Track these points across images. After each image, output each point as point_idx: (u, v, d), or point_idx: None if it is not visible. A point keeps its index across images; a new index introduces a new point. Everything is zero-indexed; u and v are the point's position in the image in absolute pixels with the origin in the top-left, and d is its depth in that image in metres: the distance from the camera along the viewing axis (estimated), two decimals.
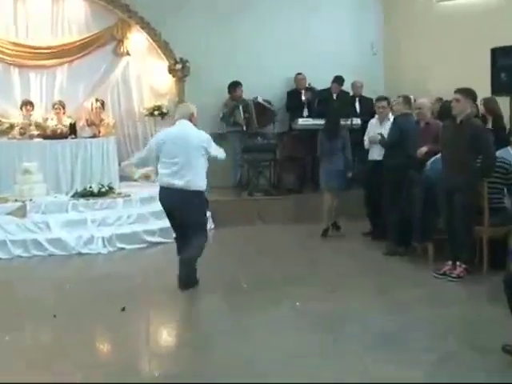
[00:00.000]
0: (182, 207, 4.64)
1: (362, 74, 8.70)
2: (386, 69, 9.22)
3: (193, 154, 4.59)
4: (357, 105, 8.41)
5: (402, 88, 7.69)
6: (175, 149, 4.64)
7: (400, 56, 8.96)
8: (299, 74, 8.65)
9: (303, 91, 8.52)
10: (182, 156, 4.60)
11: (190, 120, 4.81)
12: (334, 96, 8.44)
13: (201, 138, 4.69)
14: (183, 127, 4.78)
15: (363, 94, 8.51)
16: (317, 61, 8.68)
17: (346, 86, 8.56)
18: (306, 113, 8.44)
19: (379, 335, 3.76)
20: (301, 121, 8.11)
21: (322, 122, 7.99)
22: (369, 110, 7.72)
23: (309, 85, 8.51)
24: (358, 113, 8.27)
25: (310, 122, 8.07)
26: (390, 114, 6.53)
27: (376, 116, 6.61)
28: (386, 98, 6.58)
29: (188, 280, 4.59)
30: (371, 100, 8.50)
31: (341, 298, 4.52)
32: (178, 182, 4.61)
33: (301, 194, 7.97)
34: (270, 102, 8.40)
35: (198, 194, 4.65)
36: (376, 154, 6.47)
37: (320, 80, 8.45)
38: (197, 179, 4.61)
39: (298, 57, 8.73)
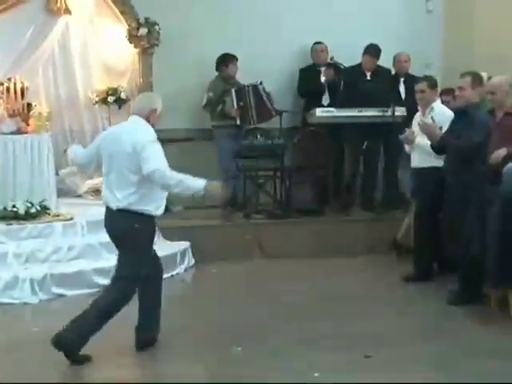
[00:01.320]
0: (112, 234, 4.86)
1: (409, 44, 8.78)
2: (447, 35, 9.28)
3: (123, 164, 4.67)
4: (401, 87, 8.46)
5: (470, 64, 7.66)
6: (107, 156, 4.78)
7: (470, 16, 8.99)
8: (318, 43, 8.71)
9: (323, 68, 8.58)
10: (113, 166, 4.74)
11: (148, 119, 4.82)
12: (368, 75, 8.48)
13: (137, 144, 4.64)
14: (126, 127, 4.86)
15: (411, 71, 8.56)
16: (343, 24, 8.77)
17: (386, 61, 8.60)
18: (326, 100, 8.46)
19: None
20: (319, 111, 8.14)
21: (350, 113, 8.07)
22: None
23: (331, 59, 8.55)
24: (404, 99, 8.34)
25: (333, 113, 8.09)
26: (438, 101, 6.62)
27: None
28: (426, 78, 6.76)
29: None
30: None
31: (377, 367, 4.49)
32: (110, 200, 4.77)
33: (321, 217, 7.99)
34: (269, 96, 8.35)
35: (133, 219, 4.70)
36: (416, 159, 6.59)
37: (347, 52, 8.49)
38: (131, 198, 4.68)
39: (315, 19, 8.78)
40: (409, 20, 9.14)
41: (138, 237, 4.72)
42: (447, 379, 4.38)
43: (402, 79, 8.53)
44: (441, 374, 4.46)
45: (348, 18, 8.85)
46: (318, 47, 8.71)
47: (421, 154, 6.54)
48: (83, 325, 4.68)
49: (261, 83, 8.26)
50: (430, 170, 6.42)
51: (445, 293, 5.98)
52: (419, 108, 6.75)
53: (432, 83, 6.68)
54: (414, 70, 8.54)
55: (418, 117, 6.71)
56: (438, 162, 6.22)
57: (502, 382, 3.97)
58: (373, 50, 8.44)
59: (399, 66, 8.60)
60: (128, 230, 4.69)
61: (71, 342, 4.63)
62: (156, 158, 4.59)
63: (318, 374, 4.40)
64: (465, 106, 6.00)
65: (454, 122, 6.12)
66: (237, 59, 8.39)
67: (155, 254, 5.06)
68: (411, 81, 7.94)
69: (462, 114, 6.02)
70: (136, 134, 4.68)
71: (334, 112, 8.08)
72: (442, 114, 6.43)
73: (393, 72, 8.65)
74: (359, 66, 8.52)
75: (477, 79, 5.86)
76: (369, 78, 8.48)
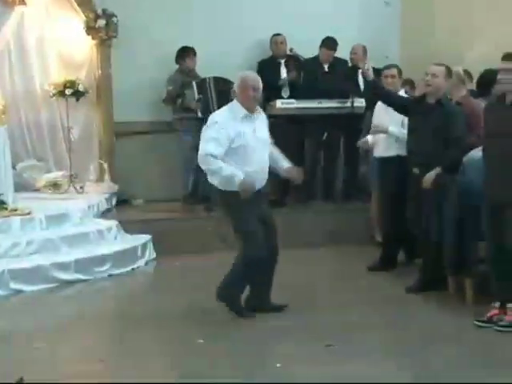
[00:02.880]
0: None
1: (367, 36, 8.81)
2: (404, 27, 9.32)
3: None
4: (359, 79, 8.39)
5: (428, 55, 7.72)
6: None
7: (428, 7, 9.00)
8: (277, 34, 8.70)
9: (283, 61, 8.59)
10: None
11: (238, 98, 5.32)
12: (325, 67, 8.49)
13: None
14: None
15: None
16: (301, 16, 8.75)
17: (344, 52, 8.62)
18: (286, 92, 8.45)
19: None
20: (280, 103, 8.13)
21: (310, 104, 8.07)
22: None
23: (291, 50, 8.57)
24: (362, 90, 8.33)
25: (294, 104, 8.10)
26: (402, 91, 6.66)
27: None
28: (397, 66, 6.81)
29: None
30: (380, 72, 8.59)
31: (340, 359, 4.51)
32: None
33: (283, 208, 7.99)
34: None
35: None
36: (381, 148, 6.63)
37: (307, 44, 8.50)
38: None
39: (274, 11, 8.80)
40: (366, 12, 9.18)
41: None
42: (407, 366, 4.41)
43: (360, 70, 8.46)
44: (402, 360, 4.49)
45: (306, 11, 8.83)
46: (277, 39, 8.68)
47: (384, 143, 6.58)
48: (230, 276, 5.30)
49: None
50: (394, 159, 6.44)
51: (409, 281, 6.03)
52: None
53: (400, 70, 6.76)
54: (372, 61, 8.47)
55: (380, 107, 6.69)
56: (402, 151, 6.22)
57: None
58: (329, 43, 8.44)
59: (356, 58, 8.52)
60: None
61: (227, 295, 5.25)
62: (203, 143, 5.14)
63: (279, 365, 4.39)
64: (437, 96, 5.87)
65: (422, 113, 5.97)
66: (195, 52, 8.35)
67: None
68: None
69: (432, 105, 5.91)
70: None
71: (295, 103, 8.10)
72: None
73: (350, 64, 8.65)
74: (317, 58, 8.54)
75: (449, 71, 5.89)
76: (326, 69, 8.48)
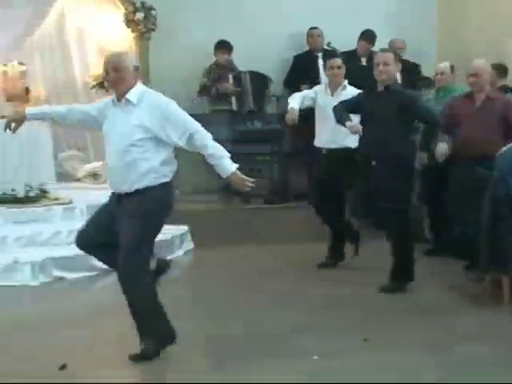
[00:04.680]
0: None
1: (404, 30, 8.83)
2: (442, 20, 9.32)
3: None
4: (397, 73, 8.42)
5: (465, 49, 7.75)
6: None
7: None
8: (314, 28, 8.74)
9: (320, 54, 8.61)
10: None
11: None
12: (363, 61, 8.54)
13: None
14: None
15: (405, 57, 8.51)
16: (338, 10, 8.82)
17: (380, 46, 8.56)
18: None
19: None
20: None
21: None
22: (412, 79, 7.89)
23: (328, 44, 8.61)
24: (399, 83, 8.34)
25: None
26: (346, 82, 6.49)
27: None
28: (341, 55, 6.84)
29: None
30: (416, 66, 8.56)
31: (375, 352, 4.50)
32: None
33: None
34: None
35: None
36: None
37: (343, 38, 8.54)
38: None
39: (310, 6, 8.84)
40: (403, 6, 9.20)
41: None
42: (441, 364, 4.38)
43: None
44: (436, 358, 4.47)
45: (343, 5, 8.89)
46: (314, 32, 8.71)
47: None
48: None
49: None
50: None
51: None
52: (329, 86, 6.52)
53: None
54: (409, 55, 8.57)
55: (321, 89, 6.57)
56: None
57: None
58: (368, 36, 8.50)
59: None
60: None
61: None
62: None
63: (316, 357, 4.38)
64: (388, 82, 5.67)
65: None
66: (231, 46, 8.43)
67: None
68: (406, 66, 7.86)
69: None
70: None
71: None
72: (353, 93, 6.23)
73: None
74: (355, 51, 8.55)
75: (395, 56, 5.81)
76: (364, 63, 8.51)
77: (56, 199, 7.20)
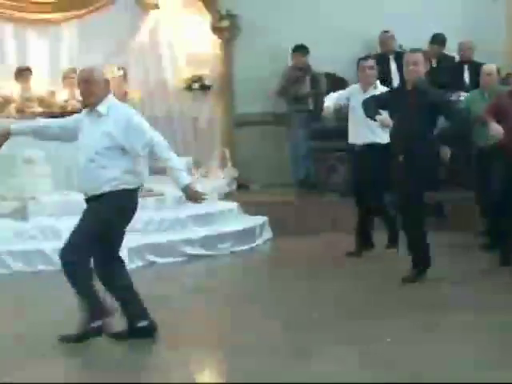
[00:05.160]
0: None
1: (473, 32, 8.92)
2: (510, 23, 9.38)
3: None
4: (465, 74, 8.63)
5: None
6: None
7: None
8: (386, 31, 8.99)
9: (391, 56, 8.84)
10: None
11: None
12: (433, 62, 8.65)
13: None
14: None
15: (475, 58, 8.67)
16: (409, 13, 8.97)
17: (451, 49, 8.87)
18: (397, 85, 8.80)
19: None
20: None
21: None
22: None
23: (400, 47, 8.80)
24: (468, 85, 8.51)
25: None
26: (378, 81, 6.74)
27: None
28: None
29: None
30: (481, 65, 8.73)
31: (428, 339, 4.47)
32: None
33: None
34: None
35: None
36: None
37: (413, 40, 8.57)
38: None
39: (379, 10, 9.06)
40: (472, 9, 9.25)
41: None
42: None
43: (467, 66, 8.63)
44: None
45: (413, 8, 9.03)
46: (386, 35, 8.94)
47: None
48: None
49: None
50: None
51: None
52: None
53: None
54: (479, 56, 8.59)
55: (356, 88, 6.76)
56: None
57: None
58: (438, 39, 8.67)
59: (463, 54, 8.71)
60: None
61: None
62: None
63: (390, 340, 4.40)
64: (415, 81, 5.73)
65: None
66: (307, 50, 8.75)
67: None
68: (476, 67, 8.01)
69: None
70: None
71: None
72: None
73: (457, 59, 8.82)
74: (425, 53, 8.80)
75: (425, 57, 5.94)
76: (435, 64, 8.64)
77: (150, 191, 7.38)
